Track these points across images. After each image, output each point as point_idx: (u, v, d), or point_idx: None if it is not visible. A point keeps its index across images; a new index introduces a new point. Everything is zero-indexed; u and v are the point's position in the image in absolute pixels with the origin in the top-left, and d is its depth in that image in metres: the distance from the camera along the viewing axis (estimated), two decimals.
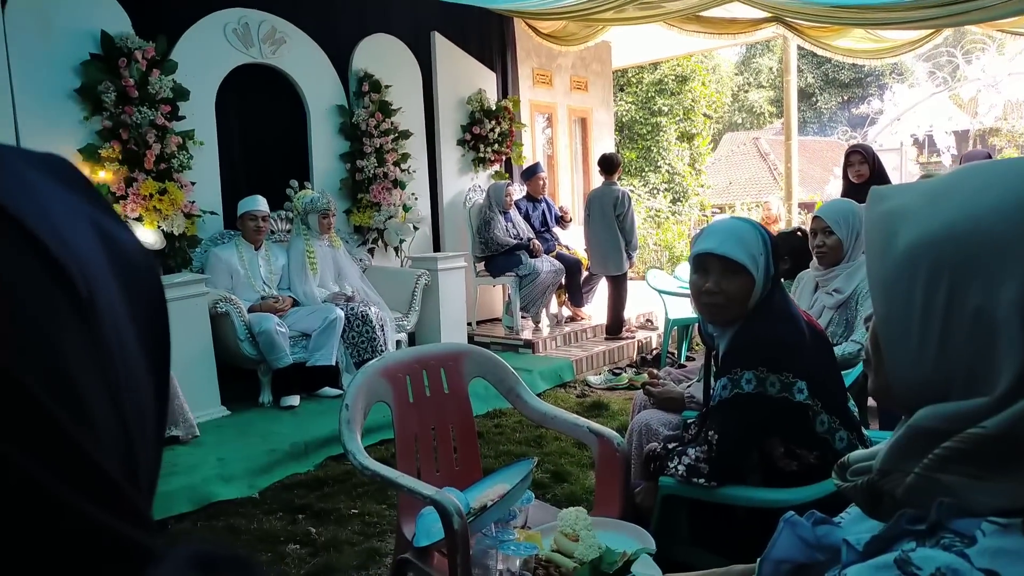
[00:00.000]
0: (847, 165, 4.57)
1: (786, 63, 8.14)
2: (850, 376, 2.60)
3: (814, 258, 2.99)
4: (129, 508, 0.31)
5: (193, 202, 4.47)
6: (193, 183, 4.48)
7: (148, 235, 4.24)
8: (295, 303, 4.64)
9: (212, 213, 4.67)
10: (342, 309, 4.54)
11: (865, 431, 1.88)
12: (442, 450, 2.07)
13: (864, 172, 4.44)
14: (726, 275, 1.75)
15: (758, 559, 1.18)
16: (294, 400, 4.34)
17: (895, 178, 9.64)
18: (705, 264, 1.78)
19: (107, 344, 0.32)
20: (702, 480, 1.74)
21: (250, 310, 4.36)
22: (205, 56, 4.71)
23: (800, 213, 8.48)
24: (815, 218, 2.94)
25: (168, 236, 4.34)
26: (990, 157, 4.59)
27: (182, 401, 3.66)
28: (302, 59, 5.27)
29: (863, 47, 6.64)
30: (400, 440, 1.94)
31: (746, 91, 27.98)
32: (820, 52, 7.00)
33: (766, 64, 27.68)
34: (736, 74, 27.29)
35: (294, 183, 5.15)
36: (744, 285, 1.75)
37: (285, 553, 2.73)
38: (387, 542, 2.81)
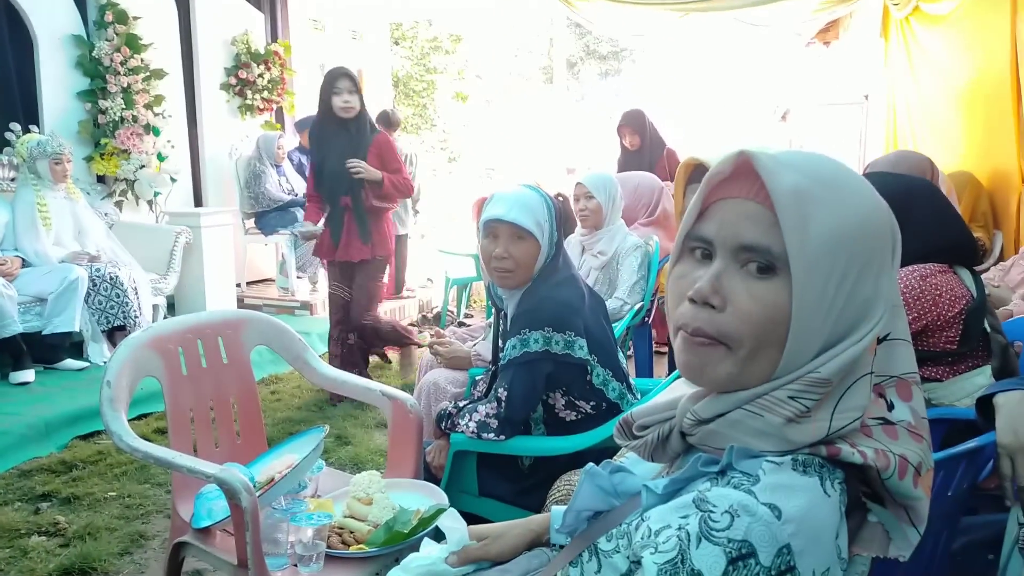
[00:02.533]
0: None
1: (554, 34, 8.51)
2: (616, 331, 2.85)
3: (578, 222, 3.20)
4: None
5: None
6: None
7: None
8: (24, 264, 4.01)
9: None
10: (85, 270, 4.01)
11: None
12: (222, 424, 1.93)
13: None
14: (514, 241, 1.83)
15: (551, 507, 1.27)
16: (28, 375, 3.78)
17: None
18: (495, 230, 1.84)
19: None
20: (492, 434, 1.82)
21: None
22: None
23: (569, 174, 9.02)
24: (578, 184, 3.15)
25: None
26: (642, 113, 4.91)
27: None
28: None
29: (623, 25, 7.13)
30: (173, 416, 1.78)
31: (516, 56, 28.86)
32: (586, 25, 7.40)
33: (535, 31, 28.71)
34: (507, 38, 28.00)
35: (15, 126, 4.40)
36: (531, 251, 1.84)
37: (28, 547, 2.40)
38: (153, 524, 2.59)
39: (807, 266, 0.69)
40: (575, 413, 1.89)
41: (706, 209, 0.77)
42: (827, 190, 0.71)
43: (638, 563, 0.67)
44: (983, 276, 1.81)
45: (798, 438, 0.70)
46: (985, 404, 1.28)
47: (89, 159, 4.92)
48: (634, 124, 4.80)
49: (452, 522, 1.12)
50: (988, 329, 1.75)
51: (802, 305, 0.69)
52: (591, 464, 0.88)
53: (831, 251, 0.69)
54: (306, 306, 5.43)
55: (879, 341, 0.76)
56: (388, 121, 5.91)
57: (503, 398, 1.81)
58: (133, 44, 4.94)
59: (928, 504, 0.75)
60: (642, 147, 4.77)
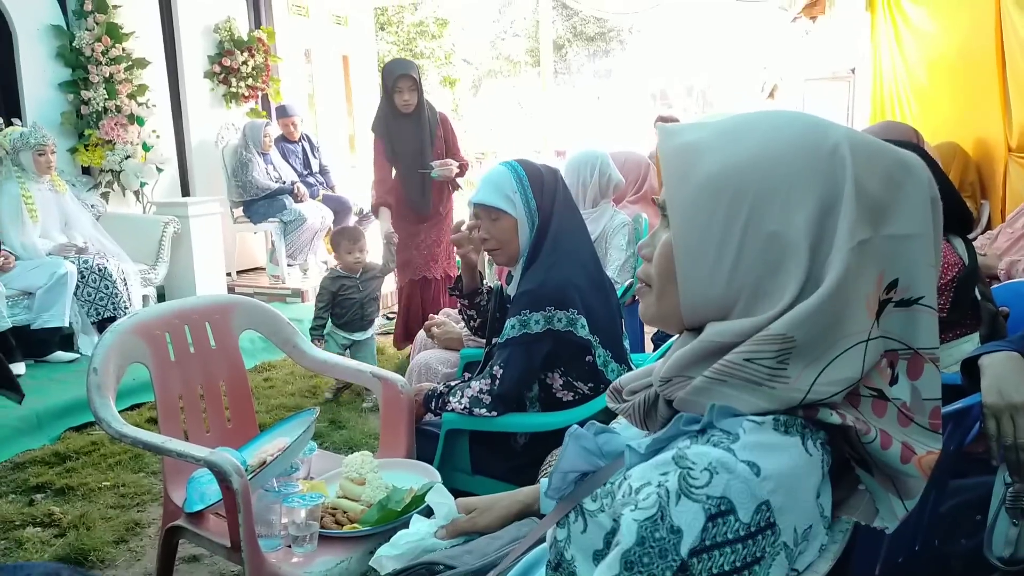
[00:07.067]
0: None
1: (540, 15, 8.44)
2: None
3: None
4: None
5: None
6: None
7: None
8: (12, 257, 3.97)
9: None
10: (73, 262, 3.99)
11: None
12: (212, 409, 1.93)
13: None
14: (492, 221, 1.87)
15: (542, 480, 1.27)
16: (19, 368, 3.76)
17: (640, 126, 10.53)
18: (476, 214, 1.90)
19: None
20: (484, 410, 1.81)
21: None
22: None
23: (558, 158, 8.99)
24: None
25: None
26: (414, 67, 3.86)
27: None
28: None
29: (609, 3, 7.09)
30: (162, 402, 1.77)
31: (503, 39, 28.67)
32: (572, 5, 7.36)
33: (520, 13, 28.51)
34: (493, 22, 27.80)
35: None
36: (508, 225, 1.86)
37: (23, 538, 2.40)
38: (148, 512, 2.59)
39: (684, 209, 0.72)
40: (572, 394, 1.88)
41: None
42: (722, 138, 0.73)
43: (619, 521, 0.67)
44: None
45: (768, 405, 0.69)
46: (971, 367, 1.28)
47: (73, 150, 4.87)
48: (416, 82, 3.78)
49: (439, 497, 1.12)
50: (979, 297, 1.75)
51: (682, 244, 0.73)
52: (575, 426, 0.88)
53: (711, 192, 0.71)
54: (297, 293, 5.42)
55: (902, 304, 0.73)
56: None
57: (498, 375, 1.81)
58: (114, 33, 4.89)
59: (923, 483, 0.73)
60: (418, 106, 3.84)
